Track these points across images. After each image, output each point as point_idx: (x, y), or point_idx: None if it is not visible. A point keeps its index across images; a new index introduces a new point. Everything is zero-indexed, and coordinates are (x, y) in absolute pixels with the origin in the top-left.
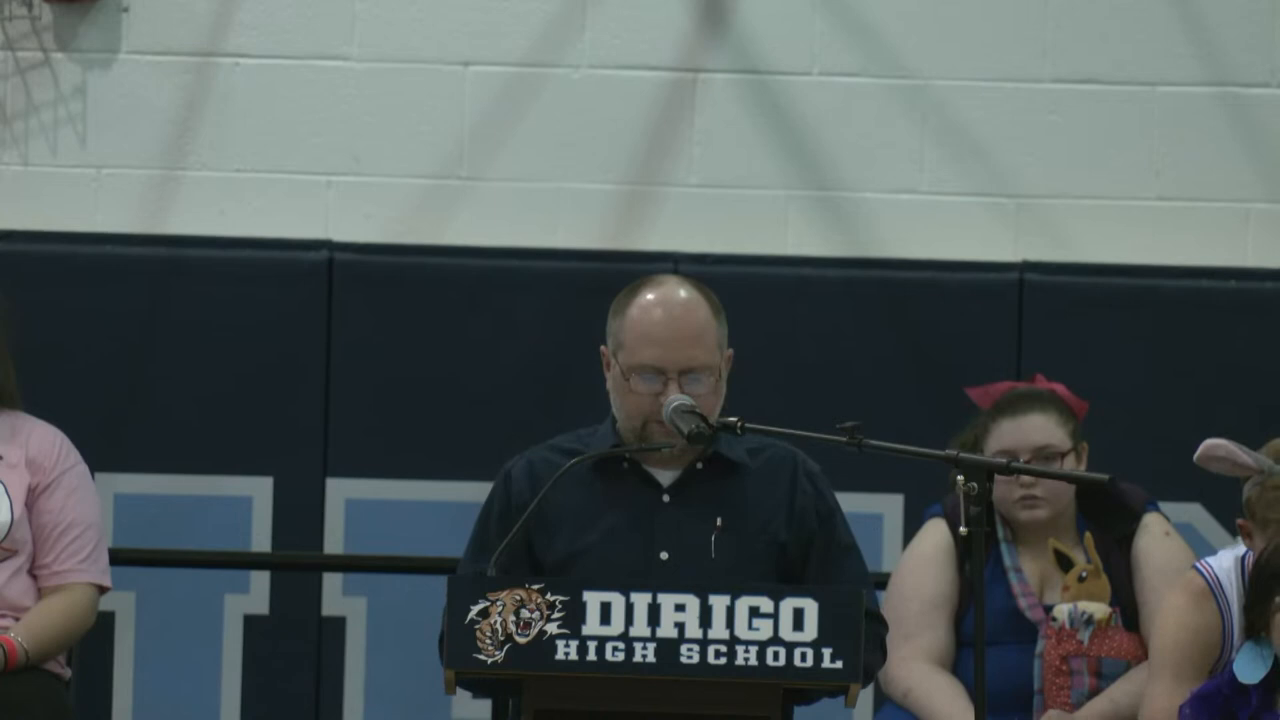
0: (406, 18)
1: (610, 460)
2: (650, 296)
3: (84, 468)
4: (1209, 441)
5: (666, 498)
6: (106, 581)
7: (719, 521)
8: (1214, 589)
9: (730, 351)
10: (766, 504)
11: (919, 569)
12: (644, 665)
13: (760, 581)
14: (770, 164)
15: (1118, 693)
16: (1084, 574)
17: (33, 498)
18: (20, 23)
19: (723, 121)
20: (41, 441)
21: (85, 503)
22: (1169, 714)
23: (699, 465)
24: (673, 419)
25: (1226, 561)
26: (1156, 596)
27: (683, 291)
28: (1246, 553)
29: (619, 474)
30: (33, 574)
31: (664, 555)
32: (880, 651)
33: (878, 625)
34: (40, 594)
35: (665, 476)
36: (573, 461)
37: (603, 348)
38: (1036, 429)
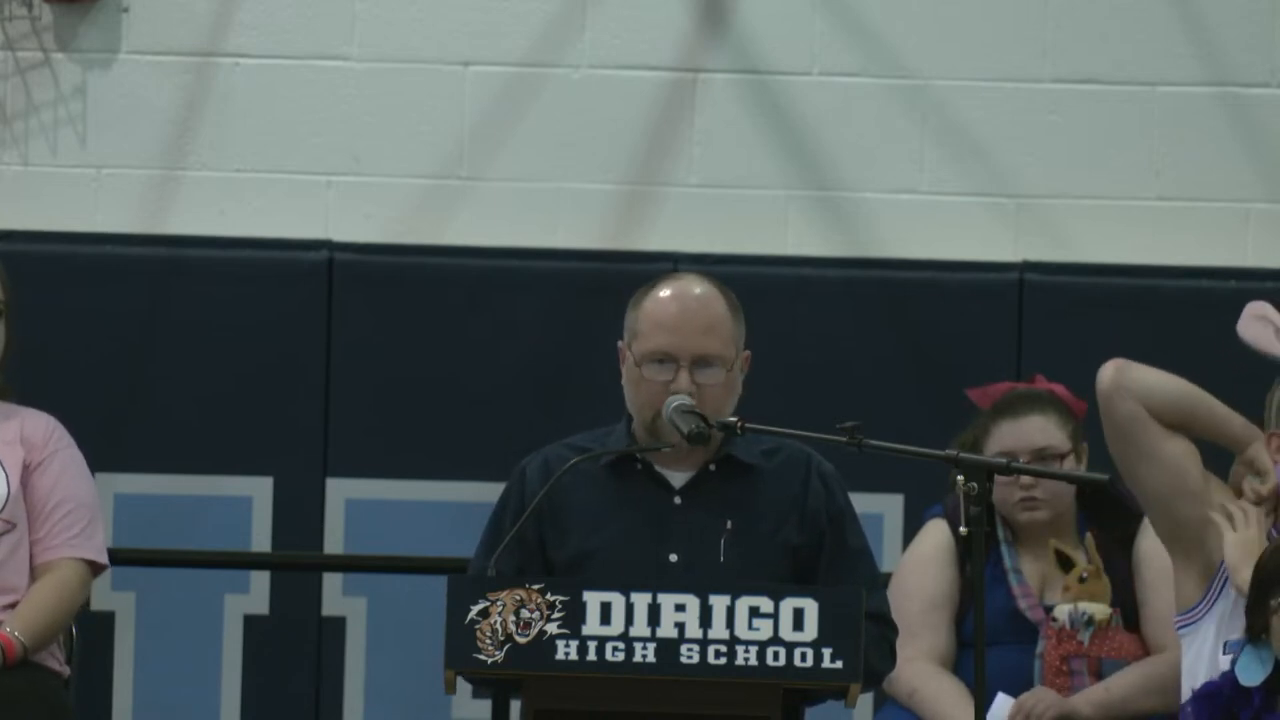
0: (406, 18)
1: (624, 461)
2: (667, 289)
3: (77, 452)
4: (1254, 303)
5: (678, 499)
6: (102, 559)
7: (728, 524)
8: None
9: (748, 353)
10: (778, 506)
11: (920, 569)
12: (644, 665)
13: (770, 583)
14: (770, 164)
15: (1115, 683)
16: (1085, 575)
17: (26, 475)
18: (20, 23)
19: (723, 121)
20: (35, 422)
21: (77, 482)
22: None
23: (711, 467)
24: (672, 418)
25: None
26: (1157, 597)
27: (699, 287)
28: None
29: (632, 474)
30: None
31: (673, 557)
32: (890, 657)
33: (887, 630)
34: (34, 573)
35: (677, 478)
36: (574, 460)
37: (619, 343)
38: (1036, 430)
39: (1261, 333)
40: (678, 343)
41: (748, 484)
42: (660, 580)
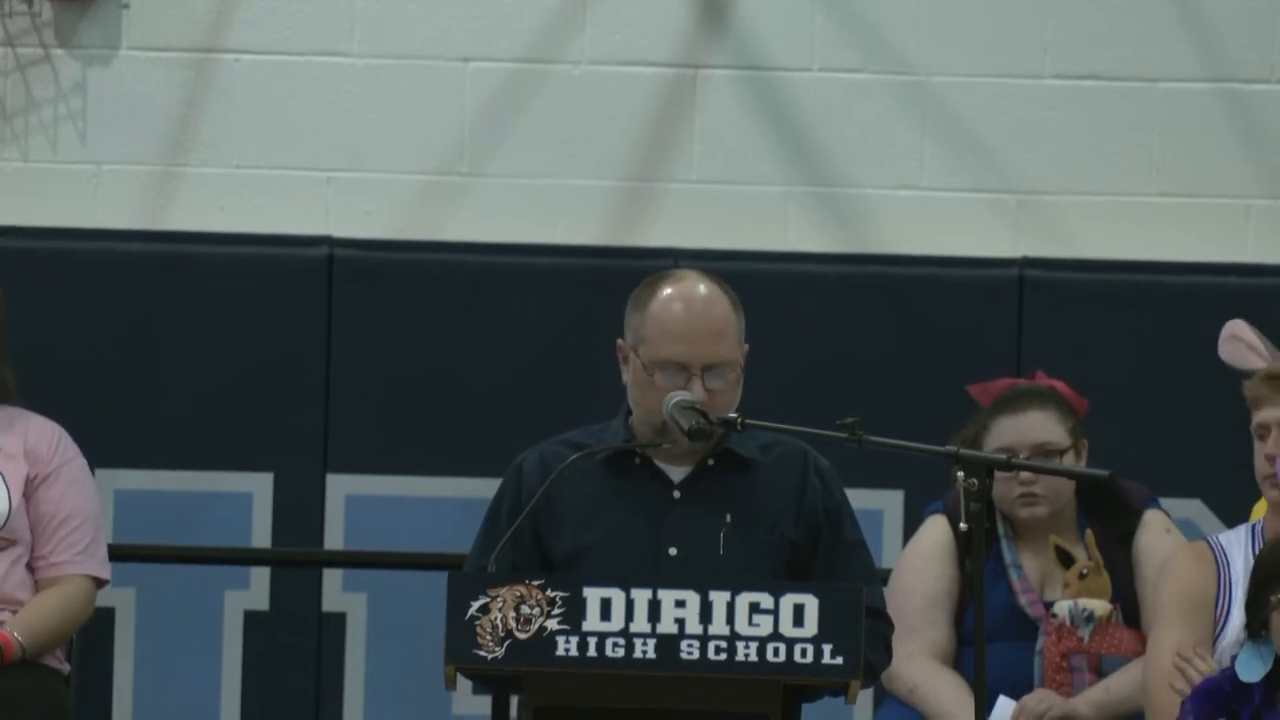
0: (406, 14)
1: (623, 456)
2: (671, 291)
3: (83, 461)
4: (1229, 323)
5: (677, 494)
6: (105, 574)
7: (728, 519)
8: (1215, 551)
9: (746, 346)
10: (776, 501)
11: (920, 565)
12: (644, 661)
13: (769, 579)
14: (770, 160)
15: (1114, 682)
16: (1085, 571)
17: (31, 489)
18: (20, 19)
19: (723, 118)
20: (40, 433)
21: (84, 495)
22: (1168, 653)
23: (710, 462)
24: (672, 415)
25: (1234, 533)
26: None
27: (703, 286)
28: (1258, 524)
29: (630, 470)
30: (31, 567)
31: (673, 551)
32: (885, 652)
33: (883, 625)
34: (37, 586)
35: (676, 473)
36: (575, 456)
37: (620, 342)
38: (1036, 426)
39: (1236, 352)
40: (690, 352)
41: (746, 479)
42: (659, 574)
